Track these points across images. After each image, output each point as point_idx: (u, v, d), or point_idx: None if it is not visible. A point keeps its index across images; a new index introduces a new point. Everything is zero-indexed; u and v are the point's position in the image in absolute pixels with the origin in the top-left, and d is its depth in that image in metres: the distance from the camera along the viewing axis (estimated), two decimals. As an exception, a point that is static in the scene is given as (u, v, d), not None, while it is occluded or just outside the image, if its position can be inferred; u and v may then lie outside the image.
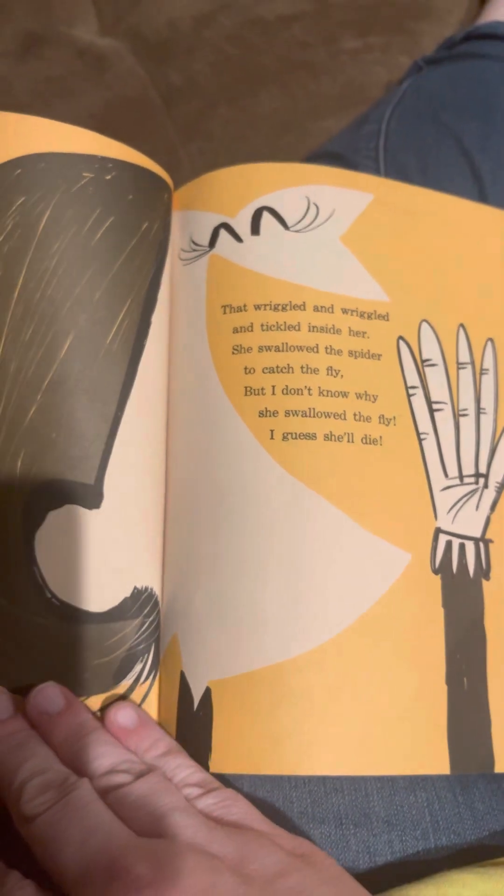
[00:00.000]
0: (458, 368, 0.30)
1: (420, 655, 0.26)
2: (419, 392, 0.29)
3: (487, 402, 0.30)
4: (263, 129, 0.51)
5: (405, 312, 0.30)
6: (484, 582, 0.28)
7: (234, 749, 0.25)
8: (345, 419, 0.28)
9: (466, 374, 0.30)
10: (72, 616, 0.26)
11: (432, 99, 0.44)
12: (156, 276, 0.30)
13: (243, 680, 0.25)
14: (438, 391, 0.30)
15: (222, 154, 0.52)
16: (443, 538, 0.28)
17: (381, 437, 0.28)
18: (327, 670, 0.25)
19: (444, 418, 0.29)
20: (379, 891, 0.22)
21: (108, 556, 0.26)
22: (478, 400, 0.30)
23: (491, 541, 0.29)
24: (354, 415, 0.28)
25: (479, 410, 0.30)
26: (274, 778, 0.26)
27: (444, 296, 0.31)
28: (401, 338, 0.30)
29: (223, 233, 0.30)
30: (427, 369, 0.30)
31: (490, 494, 0.29)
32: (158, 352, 0.29)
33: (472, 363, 0.30)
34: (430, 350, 0.30)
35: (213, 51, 0.53)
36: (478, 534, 0.29)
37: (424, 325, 0.30)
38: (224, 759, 0.25)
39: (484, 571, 0.28)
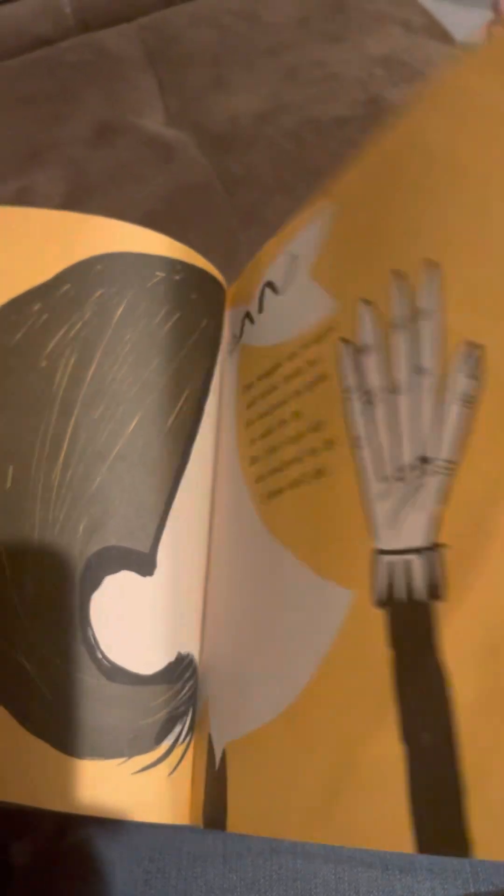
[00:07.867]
0: (391, 330, 0.23)
1: (369, 709, 0.20)
2: (353, 392, 0.24)
3: (427, 356, 0.21)
4: (315, 218, 0.54)
5: (348, 305, 0.25)
6: (438, 604, 0.19)
7: (241, 809, 0.25)
8: (302, 461, 0.26)
9: (402, 335, 0.22)
10: (119, 677, 0.27)
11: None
12: (210, 369, 0.32)
13: (245, 742, 0.25)
14: (374, 376, 0.23)
15: (276, 238, 0.55)
16: (384, 561, 0.21)
17: (325, 466, 0.24)
18: (295, 731, 0.23)
19: (379, 407, 0.23)
20: None
21: (157, 622, 0.28)
22: (416, 364, 0.22)
23: (443, 546, 0.19)
24: (309, 451, 0.25)
25: (415, 371, 0.22)
26: None
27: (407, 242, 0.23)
28: (341, 339, 0.25)
29: (246, 321, 0.32)
30: (364, 359, 0.24)
31: (435, 482, 0.20)
32: (208, 435, 0.32)
33: (413, 312, 0.22)
34: (366, 329, 0.24)
35: (271, 145, 0.57)
36: (423, 541, 0.20)
37: (360, 304, 0.24)
38: (236, 819, 0.25)
39: (435, 590, 0.19)
